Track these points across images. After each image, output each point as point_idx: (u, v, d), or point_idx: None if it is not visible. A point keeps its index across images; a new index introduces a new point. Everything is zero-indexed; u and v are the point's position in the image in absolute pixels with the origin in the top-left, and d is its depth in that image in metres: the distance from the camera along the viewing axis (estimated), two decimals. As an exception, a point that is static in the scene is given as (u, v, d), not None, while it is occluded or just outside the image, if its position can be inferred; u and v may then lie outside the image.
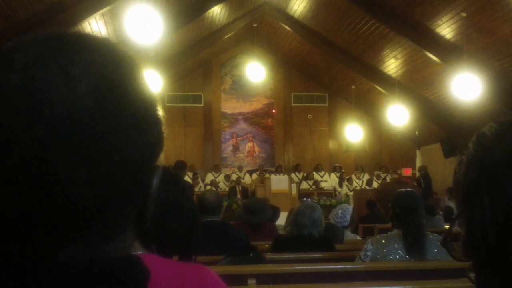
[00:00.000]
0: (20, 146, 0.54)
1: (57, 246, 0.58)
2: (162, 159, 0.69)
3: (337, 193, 14.94)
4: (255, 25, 15.00)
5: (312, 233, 4.21)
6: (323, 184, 15.42)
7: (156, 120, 0.64)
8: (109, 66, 0.59)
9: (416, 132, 15.35)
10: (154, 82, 10.87)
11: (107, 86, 0.57)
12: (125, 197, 0.60)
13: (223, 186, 15.10)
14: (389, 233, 3.64)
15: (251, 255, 3.38)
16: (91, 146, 0.55)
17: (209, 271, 1.18)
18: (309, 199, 6.72)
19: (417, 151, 15.88)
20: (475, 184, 0.76)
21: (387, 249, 3.49)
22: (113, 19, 9.63)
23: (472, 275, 0.79)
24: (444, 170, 14.24)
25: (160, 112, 0.67)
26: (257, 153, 17.63)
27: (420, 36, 11.17)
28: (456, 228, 0.85)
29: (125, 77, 0.60)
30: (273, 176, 13.74)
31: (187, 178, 14.90)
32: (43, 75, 0.55)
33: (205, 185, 14.90)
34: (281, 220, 6.67)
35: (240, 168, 16.28)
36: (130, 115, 0.58)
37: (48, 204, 0.56)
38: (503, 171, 0.73)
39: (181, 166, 7.70)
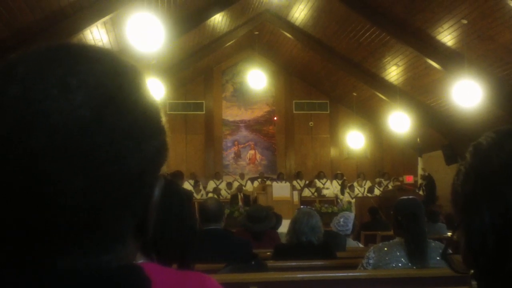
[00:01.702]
0: (16, 155, 0.54)
1: (55, 256, 0.58)
2: (164, 168, 0.68)
3: (339, 200, 14.91)
4: (256, 32, 15.04)
5: (311, 240, 4.20)
6: (325, 192, 15.40)
7: (157, 130, 0.64)
8: (108, 77, 0.59)
9: (418, 139, 15.34)
10: (155, 89, 10.89)
11: (104, 97, 0.58)
12: (123, 208, 0.60)
13: (225, 193, 15.09)
14: (391, 241, 3.64)
15: (253, 263, 3.37)
16: (87, 157, 0.55)
17: (210, 279, 1.17)
18: (305, 206, 6.70)
19: (419, 158, 15.86)
20: (474, 193, 0.77)
21: (389, 256, 3.48)
22: (114, 27, 9.65)
23: (474, 283, 0.79)
24: (445, 177, 14.21)
25: (164, 122, 0.66)
26: (258, 160, 17.62)
27: (421, 43, 11.20)
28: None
29: (124, 87, 0.60)
30: (274, 184, 13.74)
31: (188, 185, 14.90)
32: (41, 85, 0.56)
33: (207, 193, 14.89)
34: (283, 227, 6.66)
35: (241, 176, 16.27)
36: (128, 125, 0.58)
37: (44, 213, 0.56)
38: (502, 180, 0.74)
39: (178, 176, 7.71)
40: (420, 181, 14.96)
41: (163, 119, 0.67)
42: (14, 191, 0.55)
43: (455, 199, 0.82)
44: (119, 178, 0.58)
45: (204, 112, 17.40)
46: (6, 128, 0.55)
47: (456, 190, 0.82)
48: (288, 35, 14.24)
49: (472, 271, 0.79)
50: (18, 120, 0.54)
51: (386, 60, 12.96)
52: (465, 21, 9.68)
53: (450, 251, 0.93)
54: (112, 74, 0.60)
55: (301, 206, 10.05)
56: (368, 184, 15.94)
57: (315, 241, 4.22)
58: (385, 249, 3.55)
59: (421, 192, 13.80)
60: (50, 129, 0.54)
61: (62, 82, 0.56)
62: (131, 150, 0.59)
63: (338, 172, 16.78)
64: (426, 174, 14.51)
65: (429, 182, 14.22)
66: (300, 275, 3.40)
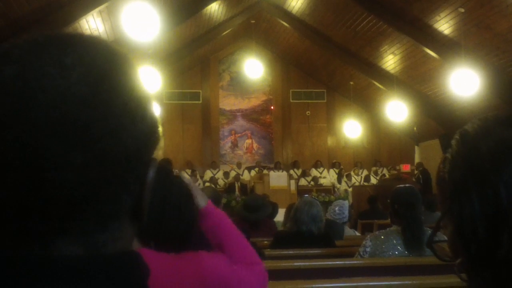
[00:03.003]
0: (15, 131, 0.55)
1: (53, 235, 0.59)
2: (160, 156, 0.69)
3: (336, 189, 14.95)
4: (253, 21, 14.98)
5: (311, 229, 4.22)
6: (322, 181, 15.43)
7: (149, 113, 0.65)
8: (101, 57, 0.61)
9: (415, 128, 15.35)
10: (152, 79, 10.85)
11: (99, 75, 0.59)
12: (119, 185, 0.61)
13: (222, 183, 15.11)
14: (388, 229, 3.65)
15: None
16: (84, 131, 0.57)
17: (204, 261, 1.17)
18: (307, 196, 6.73)
19: (416, 147, 15.89)
20: (462, 181, 0.77)
21: (386, 245, 3.50)
22: (110, 16, 9.61)
23: (462, 274, 0.80)
24: (442, 166, 14.22)
25: (153, 109, 0.68)
26: (255, 149, 17.63)
27: (418, 32, 11.17)
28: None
29: (117, 68, 0.62)
30: (272, 173, 13.76)
31: (185, 175, 14.90)
32: (37, 65, 0.57)
33: (204, 182, 14.91)
34: (279, 216, 6.69)
35: (238, 165, 16.29)
36: (122, 103, 0.60)
37: (43, 189, 0.56)
38: (491, 167, 0.74)
39: (167, 164, 7.76)
40: (415, 171, 15.01)
41: (154, 108, 0.68)
42: (13, 168, 0.56)
43: (441, 187, 0.83)
44: (115, 154, 0.59)
45: (200, 102, 17.37)
46: (4, 106, 0.56)
47: (443, 178, 0.82)
48: (285, 24, 14.19)
49: (459, 259, 0.80)
50: (15, 98, 0.56)
51: (383, 49, 12.94)
52: (462, 10, 9.65)
53: (444, 237, 0.93)
54: (105, 56, 0.62)
55: (305, 195, 10.06)
56: (365, 173, 15.97)
57: (315, 230, 4.23)
58: (382, 237, 3.56)
59: (413, 179, 13.83)
60: (47, 105, 0.56)
61: (58, 61, 0.58)
62: (127, 127, 0.60)
63: (335, 161, 16.81)
64: (421, 169, 14.52)
65: (424, 173, 14.25)
66: (297, 264, 3.41)
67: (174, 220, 1.55)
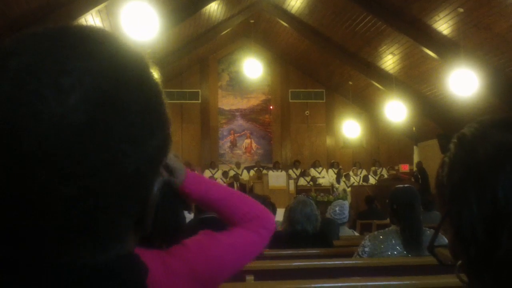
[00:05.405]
0: (6, 160, 0.52)
1: (50, 258, 0.57)
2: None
3: (334, 189, 14.94)
4: (252, 21, 14.98)
5: (306, 229, 4.22)
6: (320, 181, 15.43)
7: (159, 126, 0.61)
8: (105, 75, 0.56)
9: (414, 128, 15.35)
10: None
11: (99, 99, 0.54)
12: (118, 211, 0.58)
13: (221, 182, 15.10)
14: (386, 229, 3.65)
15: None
16: (79, 163, 0.53)
17: (189, 251, 1.17)
18: (301, 195, 6.73)
19: (414, 147, 15.89)
20: (460, 183, 0.78)
21: (385, 245, 3.50)
22: (109, 15, 9.60)
23: (462, 275, 0.80)
24: (441, 166, 14.23)
25: (166, 121, 0.63)
26: (254, 149, 17.62)
27: (417, 32, 11.18)
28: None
29: (122, 87, 0.57)
30: (270, 173, 13.76)
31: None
32: (33, 86, 0.53)
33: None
34: (278, 216, 6.69)
35: (237, 165, 16.29)
36: (124, 128, 0.56)
37: (35, 219, 0.54)
38: (488, 169, 0.75)
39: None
40: (415, 170, 15.01)
41: (167, 110, 0.64)
42: (3, 196, 0.53)
43: (441, 191, 0.83)
44: (113, 183, 0.56)
45: (200, 101, 17.38)
46: None
47: (442, 182, 0.82)
48: (284, 24, 14.18)
49: (459, 262, 0.80)
50: (8, 123, 0.52)
51: (382, 49, 12.94)
52: (461, 10, 9.65)
53: (444, 239, 0.93)
54: (110, 72, 0.56)
55: (299, 195, 10.05)
56: (363, 173, 15.97)
57: (311, 229, 4.23)
58: (381, 237, 3.56)
59: (412, 179, 13.83)
60: (40, 134, 0.52)
61: (55, 83, 0.53)
62: (128, 153, 0.56)
63: (334, 161, 16.81)
64: (419, 167, 14.52)
65: (421, 171, 14.25)
66: (295, 263, 3.41)
67: (160, 220, 1.53)
